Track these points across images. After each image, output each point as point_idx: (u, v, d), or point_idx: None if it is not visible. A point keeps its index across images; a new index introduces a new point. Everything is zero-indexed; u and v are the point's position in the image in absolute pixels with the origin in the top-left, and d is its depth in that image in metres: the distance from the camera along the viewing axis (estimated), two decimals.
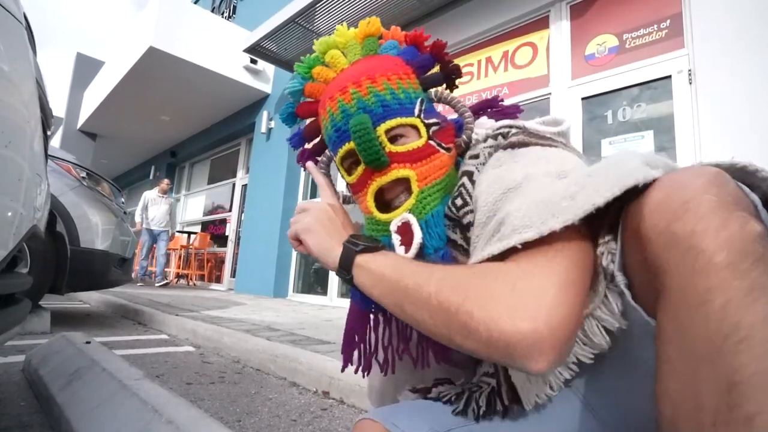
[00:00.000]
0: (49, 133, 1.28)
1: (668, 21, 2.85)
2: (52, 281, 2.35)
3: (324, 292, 5.25)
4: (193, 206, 9.09)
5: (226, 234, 7.55)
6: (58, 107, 9.54)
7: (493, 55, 3.87)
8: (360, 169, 0.58)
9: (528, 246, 0.40)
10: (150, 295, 4.65)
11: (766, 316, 0.27)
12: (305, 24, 4.78)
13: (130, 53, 6.17)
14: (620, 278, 0.39)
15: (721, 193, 0.32)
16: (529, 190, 0.44)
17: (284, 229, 5.75)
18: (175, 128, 8.24)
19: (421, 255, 0.54)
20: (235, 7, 8.20)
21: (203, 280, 7.60)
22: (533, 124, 0.55)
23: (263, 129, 6.27)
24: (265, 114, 6.32)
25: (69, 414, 1.04)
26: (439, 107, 0.66)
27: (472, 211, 0.52)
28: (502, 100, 0.66)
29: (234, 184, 7.66)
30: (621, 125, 3.00)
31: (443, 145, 0.58)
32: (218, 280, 7.53)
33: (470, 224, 0.52)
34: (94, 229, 2.51)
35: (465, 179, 0.55)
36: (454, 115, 0.64)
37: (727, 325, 0.28)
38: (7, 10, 0.92)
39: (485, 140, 0.57)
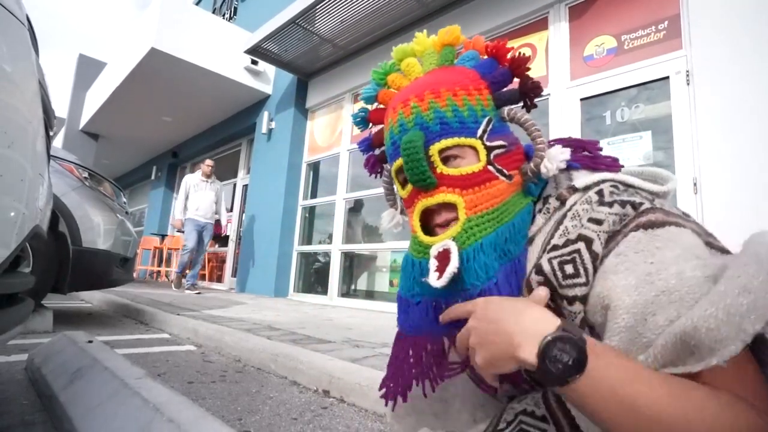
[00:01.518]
0: (51, 133, 1.29)
1: (666, 22, 2.85)
2: (54, 281, 2.35)
3: (324, 291, 5.26)
4: None
5: (228, 234, 7.56)
6: (61, 108, 9.56)
7: None
8: (410, 185, 0.56)
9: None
10: (151, 294, 4.66)
11: None
12: (305, 25, 4.79)
13: (131, 54, 6.19)
14: None
15: None
16: (705, 300, 0.39)
17: (285, 228, 5.77)
18: (177, 129, 8.26)
19: (456, 287, 0.51)
20: (236, 9, 8.22)
21: (204, 279, 7.61)
22: (638, 181, 0.51)
23: (264, 129, 6.28)
24: (265, 114, 6.33)
25: (71, 412, 1.05)
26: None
27: (584, 285, 0.46)
28: (601, 149, 0.60)
29: (235, 185, 7.68)
30: (619, 126, 3.00)
31: (504, 171, 0.55)
32: (219, 279, 7.55)
33: (575, 298, 0.47)
34: (96, 229, 2.52)
35: (582, 246, 0.47)
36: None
37: None
38: (10, 12, 0.93)
39: (610, 205, 0.48)
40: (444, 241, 0.52)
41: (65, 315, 3.31)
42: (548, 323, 0.42)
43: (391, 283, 4.69)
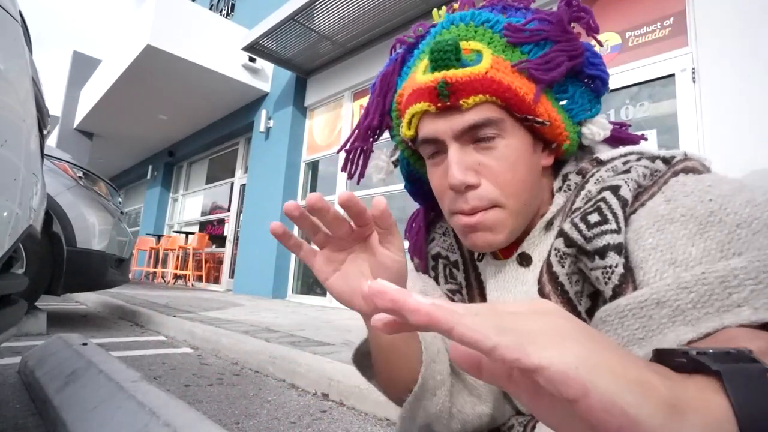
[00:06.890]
0: (45, 132, 1.27)
1: (671, 19, 2.85)
2: (48, 282, 2.33)
3: (323, 293, 5.24)
4: (191, 206, 9.06)
5: (225, 234, 7.53)
6: (55, 106, 9.50)
7: None
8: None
9: None
10: (147, 296, 4.63)
11: None
12: (304, 22, 4.77)
13: (127, 51, 6.15)
14: None
15: None
16: None
17: None
18: (173, 127, 8.21)
19: None
20: (233, 5, 8.19)
21: (201, 280, 7.58)
22: (669, 152, 0.47)
23: (262, 128, 6.25)
24: (263, 113, 6.30)
25: (65, 416, 1.04)
26: None
27: (616, 232, 0.40)
28: (630, 125, 0.58)
29: (232, 184, 7.64)
30: None
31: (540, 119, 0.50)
32: (216, 280, 7.51)
33: (608, 248, 0.39)
34: (91, 229, 2.50)
35: (607, 193, 0.42)
36: None
37: None
38: (3, 8, 0.91)
39: (638, 160, 0.45)
40: None
41: (59, 317, 3.28)
42: None
43: None
